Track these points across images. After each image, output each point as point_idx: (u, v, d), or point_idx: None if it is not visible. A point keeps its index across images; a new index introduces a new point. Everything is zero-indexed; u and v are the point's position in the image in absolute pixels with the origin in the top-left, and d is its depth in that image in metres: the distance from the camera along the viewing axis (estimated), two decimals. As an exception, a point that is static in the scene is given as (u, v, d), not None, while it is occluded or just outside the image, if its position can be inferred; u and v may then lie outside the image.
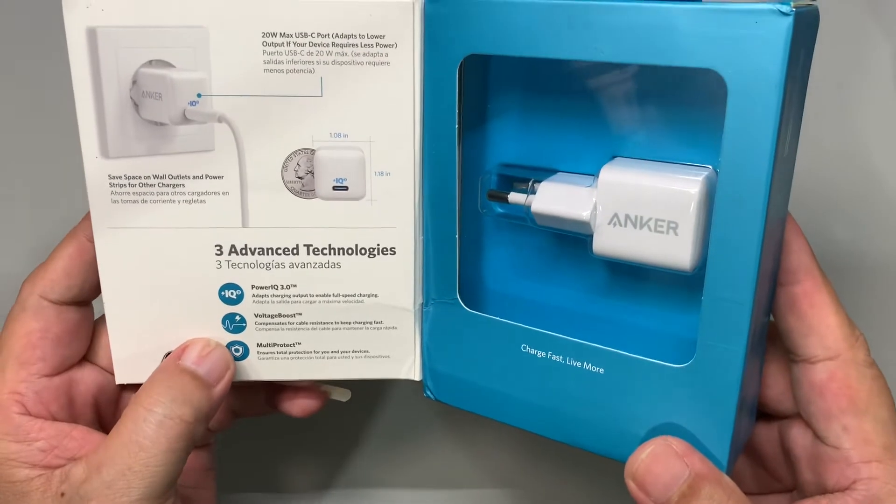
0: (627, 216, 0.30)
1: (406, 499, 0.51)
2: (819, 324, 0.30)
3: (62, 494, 0.32)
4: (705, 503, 0.28)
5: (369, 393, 0.50)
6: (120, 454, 0.31)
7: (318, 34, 0.31)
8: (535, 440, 0.48)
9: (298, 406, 0.37)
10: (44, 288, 0.33)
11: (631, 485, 0.29)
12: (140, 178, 0.32)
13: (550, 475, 0.50)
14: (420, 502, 0.51)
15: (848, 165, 0.42)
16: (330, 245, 0.34)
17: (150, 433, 0.31)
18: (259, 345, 0.35)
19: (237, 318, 0.34)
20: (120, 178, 0.32)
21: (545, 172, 0.33)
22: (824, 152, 0.42)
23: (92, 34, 0.30)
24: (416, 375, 0.36)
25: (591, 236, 0.31)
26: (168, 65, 0.31)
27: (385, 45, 0.31)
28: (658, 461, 0.29)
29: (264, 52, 0.31)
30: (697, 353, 0.29)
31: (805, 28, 0.26)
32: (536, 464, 0.50)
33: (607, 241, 0.31)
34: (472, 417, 0.48)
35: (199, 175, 0.32)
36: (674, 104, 0.30)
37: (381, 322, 0.35)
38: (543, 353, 0.32)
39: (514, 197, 0.33)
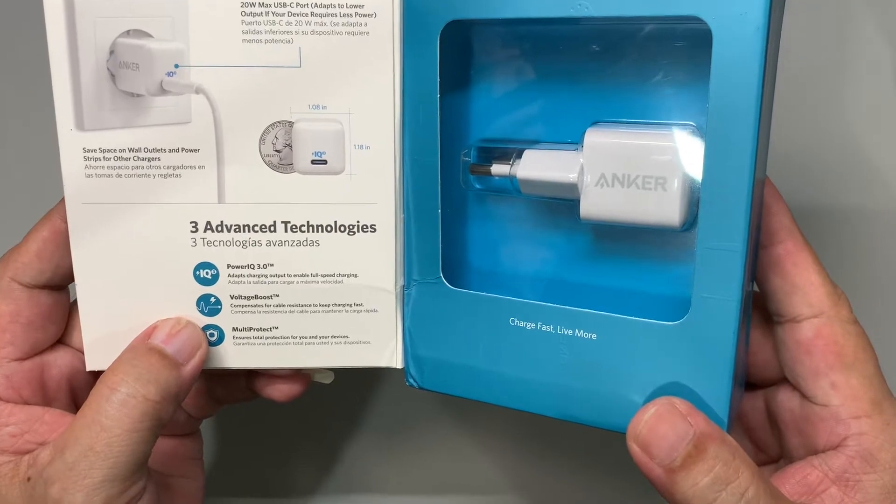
0: (615, 175, 0.30)
1: (404, 497, 0.49)
2: (803, 282, 0.30)
3: (28, 479, 0.30)
4: (712, 463, 0.27)
5: (361, 389, 0.49)
6: (83, 435, 0.29)
7: (297, 4, 0.31)
8: (536, 438, 0.47)
9: (280, 391, 0.36)
10: (15, 271, 0.33)
11: (634, 448, 0.28)
12: (115, 151, 0.32)
13: (552, 475, 0.48)
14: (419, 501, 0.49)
15: (847, 164, 0.42)
16: (308, 222, 0.33)
17: (112, 412, 0.30)
18: (235, 329, 0.34)
19: (212, 299, 0.33)
20: (94, 151, 0.32)
21: (525, 145, 0.32)
22: (824, 151, 0.42)
23: (69, 3, 0.30)
24: (398, 363, 0.35)
25: (577, 201, 0.31)
26: (146, 35, 0.31)
27: (364, 15, 0.31)
28: (662, 421, 0.28)
29: (243, 21, 0.31)
30: (692, 307, 0.28)
31: None
32: (537, 464, 0.48)
33: (595, 204, 0.30)
34: (470, 413, 0.47)
35: (175, 148, 0.32)
36: (651, 67, 0.30)
37: (360, 304, 0.34)
38: (533, 325, 0.31)
39: (498, 168, 0.32)
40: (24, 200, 0.45)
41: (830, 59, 0.42)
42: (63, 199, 0.32)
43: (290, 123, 0.32)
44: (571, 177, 0.31)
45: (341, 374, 0.36)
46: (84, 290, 0.33)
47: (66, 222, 0.32)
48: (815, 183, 0.42)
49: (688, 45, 0.29)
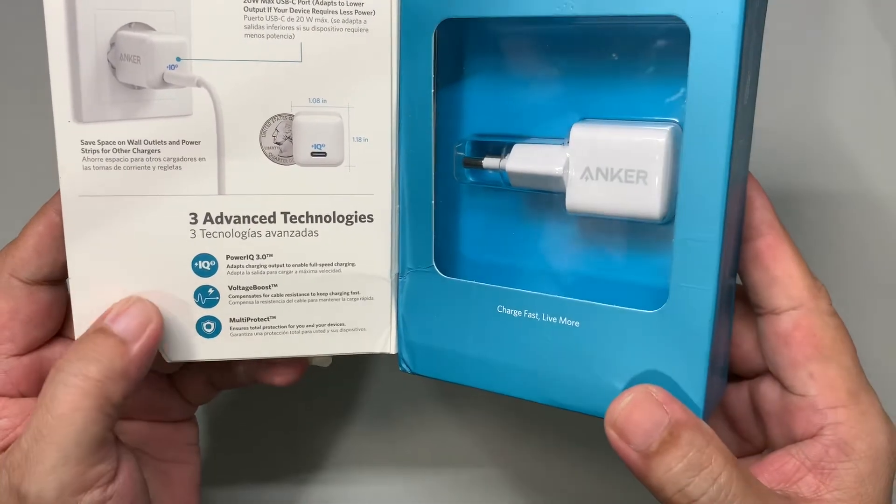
0: (599, 169, 0.32)
1: (396, 477, 0.50)
2: (783, 275, 0.31)
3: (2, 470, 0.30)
4: (685, 449, 0.28)
5: (355, 374, 0.49)
6: (33, 420, 0.30)
7: (299, 0, 0.32)
8: (524, 418, 0.48)
9: (279, 376, 0.36)
10: (14, 267, 0.32)
11: (611, 433, 0.29)
12: (114, 143, 0.32)
13: (539, 453, 0.49)
14: (410, 480, 0.50)
15: (848, 165, 0.43)
16: (307, 212, 0.34)
17: (54, 393, 0.29)
18: (232, 319, 0.34)
19: (210, 290, 0.34)
20: (93, 143, 0.32)
21: (516, 140, 0.34)
22: (823, 151, 0.43)
23: (70, -6, 0.30)
24: (392, 349, 0.36)
25: (563, 194, 0.32)
26: (148, 28, 0.31)
27: (364, 13, 0.33)
28: (638, 408, 0.29)
29: (245, 17, 0.32)
30: (670, 296, 0.30)
31: None
32: (524, 442, 0.49)
33: (580, 196, 0.32)
34: (458, 395, 0.48)
35: (176, 140, 0.32)
36: (638, 66, 0.32)
37: (357, 292, 0.35)
38: (520, 312, 0.33)
39: (489, 161, 0.34)
40: (20, 194, 0.44)
41: (812, 52, 0.42)
42: (58, 193, 0.32)
43: (291, 116, 0.33)
44: (557, 169, 0.33)
45: (335, 359, 0.37)
46: (77, 283, 0.32)
47: (61, 216, 0.32)
48: (795, 171, 0.43)
49: (674, 43, 0.31)
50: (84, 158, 0.32)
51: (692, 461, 0.28)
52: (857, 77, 0.42)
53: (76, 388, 0.29)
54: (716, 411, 0.36)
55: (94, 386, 0.30)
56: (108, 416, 0.30)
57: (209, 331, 0.34)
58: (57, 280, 0.33)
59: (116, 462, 0.31)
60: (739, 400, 0.35)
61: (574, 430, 0.47)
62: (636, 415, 0.29)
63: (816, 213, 0.44)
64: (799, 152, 0.43)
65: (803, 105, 0.43)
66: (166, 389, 0.38)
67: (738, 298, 0.34)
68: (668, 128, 0.31)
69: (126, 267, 0.33)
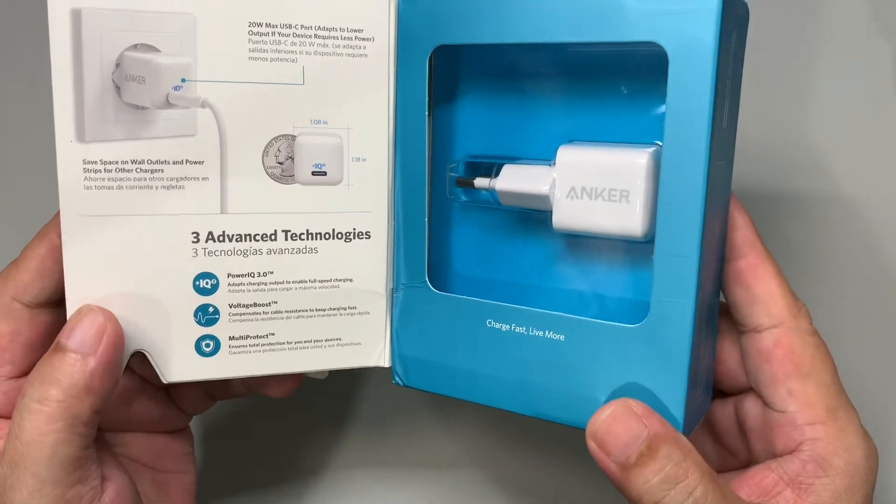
0: (583, 188, 0.33)
1: (390, 484, 0.50)
2: (764, 294, 0.32)
3: None
4: (663, 462, 0.29)
5: (349, 383, 0.50)
6: (7, 448, 0.29)
7: (302, 26, 0.33)
8: (513, 427, 0.48)
9: (275, 388, 0.37)
10: (16, 290, 0.32)
11: (591, 445, 0.30)
12: (117, 163, 0.32)
13: (528, 459, 0.50)
14: (404, 487, 0.50)
15: (849, 165, 0.43)
16: (308, 230, 0.35)
17: (20, 420, 0.29)
18: (231, 338, 0.34)
19: (210, 309, 0.34)
20: (95, 163, 0.32)
21: (507, 161, 0.36)
22: (824, 152, 0.43)
23: (76, 15, 0.31)
24: (386, 362, 0.37)
25: (550, 213, 0.34)
26: (153, 49, 0.32)
27: (363, 39, 0.34)
28: (618, 421, 0.29)
29: (250, 40, 0.33)
30: (651, 310, 0.30)
31: (736, 11, 0.31)
32: (514, 449, 0.50)
33: (566, 215, 0.33)
34: (450, 405, 0.48)
35: (180, 160, 0.33)
36: (622, 90, 0.35)
37: (354, 307, 0.36)
38: (507, 326, 0.34)
39: (480, 181, 0.36)
40: (21, 212, 0.42)
41: (805, 56, 0.43)
42: (58, 213, 0.32)
43: (293, 137, 0.34)
44: (544, 189, 0.34)
45: (330, 371, 0.38)
46: (75, 305, 0.32)
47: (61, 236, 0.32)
48: (787, 178, 0.43)
49: (659, 69, 0.34)
50: (86, 178, 0.32)
51: (669, 474, 0.28)
52: (855, 80, 0.42)
53: (39, 413, 0.29)
54: (702, 427, 0.37)
55: (58, 408, 0.29)
56: (79, 436, 0.30)
57: (208, 350, 0.34)
58: (59, 302, 0.33)
59: (100, 480, 0.31)
60: (725, 416, 0.36)
61: (562, 439, 0.48)
62: (615, 427, 0.29)
63: (815, 219, 0.44)
64: (788, 159, 0.44)
65: (793, 111, 0.43)
66: (163, 400, 0.38)
67: (724, 317, 0.35)
68: (650, 149, 0.33)
69: (125, 287, 0.33)
